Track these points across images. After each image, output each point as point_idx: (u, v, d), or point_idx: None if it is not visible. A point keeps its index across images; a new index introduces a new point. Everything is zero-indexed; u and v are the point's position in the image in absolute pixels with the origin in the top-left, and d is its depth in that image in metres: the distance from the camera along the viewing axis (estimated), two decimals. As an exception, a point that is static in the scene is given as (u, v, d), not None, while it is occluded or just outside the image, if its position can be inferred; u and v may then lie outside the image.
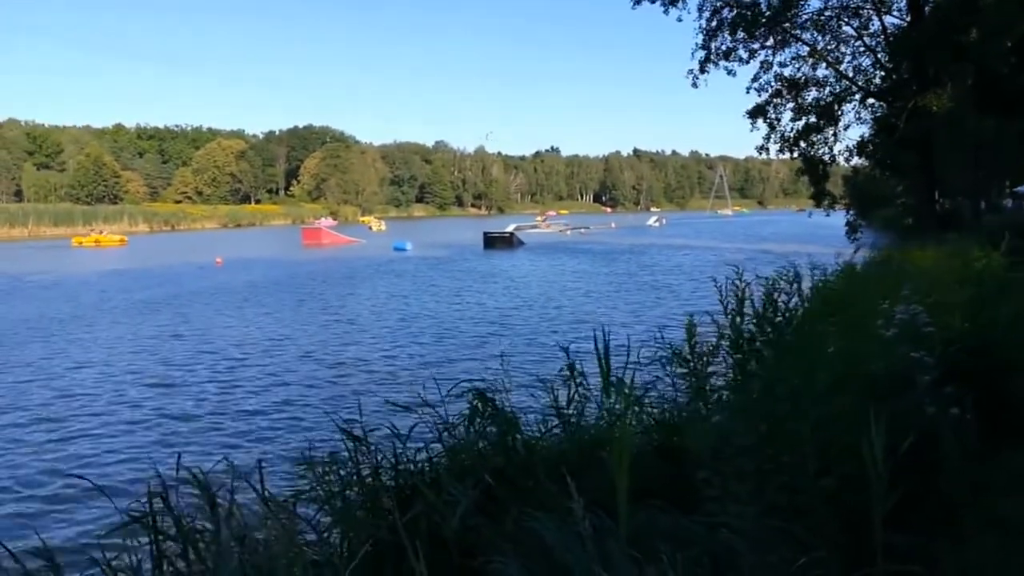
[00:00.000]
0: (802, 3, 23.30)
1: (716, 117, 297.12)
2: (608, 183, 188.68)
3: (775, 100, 24.37)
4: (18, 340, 18.57)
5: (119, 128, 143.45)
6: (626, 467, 2.37)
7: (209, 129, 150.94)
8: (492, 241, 54.66)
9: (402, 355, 15.83)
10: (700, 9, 23.52)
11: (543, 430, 3.43)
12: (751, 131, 24.79)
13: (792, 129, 24.47)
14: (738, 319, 4.39)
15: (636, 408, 3.43)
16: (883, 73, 23.89)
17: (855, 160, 27.49)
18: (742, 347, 4.25)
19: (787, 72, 24.22)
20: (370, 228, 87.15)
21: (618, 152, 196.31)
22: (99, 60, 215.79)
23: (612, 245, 55.93)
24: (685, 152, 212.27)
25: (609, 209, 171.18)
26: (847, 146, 25.38)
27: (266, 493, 2.73)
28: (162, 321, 21.34)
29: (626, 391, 3.27)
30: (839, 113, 24.41)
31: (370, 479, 2.98)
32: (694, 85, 24.32)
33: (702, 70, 23.97)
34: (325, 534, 2.79)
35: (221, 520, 2.40)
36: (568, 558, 2.18)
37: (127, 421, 11.13)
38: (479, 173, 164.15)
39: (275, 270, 38.45)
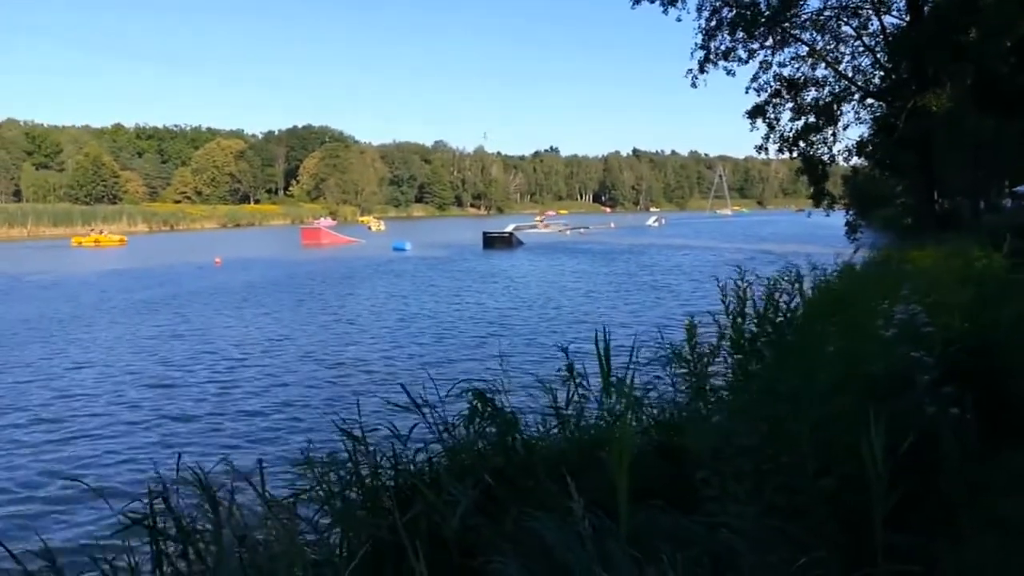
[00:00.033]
0: (801, 3, 23.34)
1: (715, 117, 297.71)
2: (607, 183, 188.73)
3: (774, 100, 24.39)
4: (18, 340, 18.55)
5: (118, 128, 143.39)
6: (626, 467, 2.37)
7: (208, 129, 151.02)
8: (491, 241, 54.66)
9: (401, 355, 15.82)
10: (699, 9, 23.57)
11: (543, 430, 3.43)
12: (751, 131, 24.85)
13: (791, 129, 24.53)
14: (739, 319, 4.40)
15: (636, 408, 3.44)
16: (882, 73, 23.92)
17: (854, 160, 27.57)
18: (743, 347, 4.25)
19: (786, 72, 24.29)
20: (369, 228, 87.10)
21: (617, 152, 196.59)
22: (99, 60, 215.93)
23: (611, 245, 55.93)
24: (684, 152, 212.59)
25: (608, 209, 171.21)
26: (846, 146, 25.46)
27: (266, 494, 2.73)
28: (161, 321, 21.32)
29: (626, 391, 3.27)
30: (838, 113, 24.47)
31: (370, 479, 2.98)
32: (693, 85, 24.38)
33: (701, 70, 24.01)
34: (325, 534, 2.79)
35: (222, 520, 2.40)
36: (568, 558, 2.18)
37: (127, 422, 11.12)
38: (478, 173, 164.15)
39: (274, 270, 38.43)
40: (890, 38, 22.71)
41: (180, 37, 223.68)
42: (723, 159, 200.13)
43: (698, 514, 2.53)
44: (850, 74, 24.42)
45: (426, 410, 3.29)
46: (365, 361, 15.28)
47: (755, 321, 4.55)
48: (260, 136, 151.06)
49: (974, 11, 18.08)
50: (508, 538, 2.51)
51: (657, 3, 23.55)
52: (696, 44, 23.90)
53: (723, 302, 4.58)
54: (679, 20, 24.11)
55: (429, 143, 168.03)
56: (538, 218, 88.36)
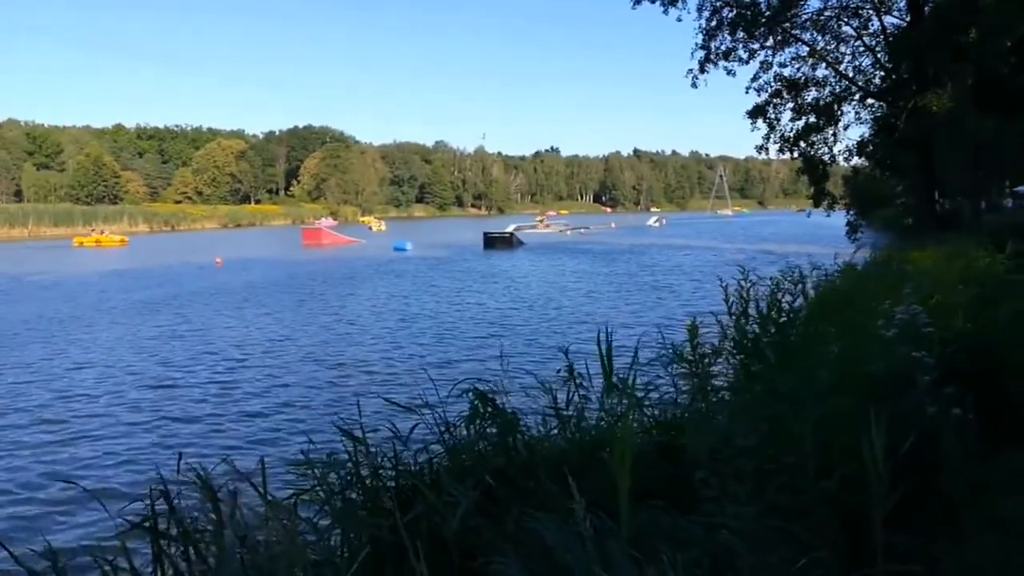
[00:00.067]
0: (802, 3, 23.31)
1: (716, 117, 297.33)
2: (608, 183, 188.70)
3: (775, 100, 24.36)
4: (19, 341, 18.57)
5: (119, 128, 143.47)
6: (628, 467, 2.37)
7: (209, 129, 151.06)
8: (492, 241, 54.63)
9: (402, 356, 15.82)
10: (700, 9, 23.53)
11: (544, 431, 3.43)
12: (751, 131, 24.82)
13: (792, 129, 24.48)
14: (742, 320, 4.39)
15: (637, 409, 3.44)
16: (883, 73, 23.89)
17: (855, 160, 27.52)
18: (746, 348, 4.25)
19: (787, 72, 24.25)
20: (370, 228, 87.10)
21: (618, 152, 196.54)
22: (99, 60, 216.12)
23: (612, 245, 55.92)
24: (685, 152, 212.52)
25: (609, 209, 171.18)
26: (847, 146, 25.41)
27: (268, 495, 2.73)
28: (162, 321, 21.33)
29: (629, 391, 3.27)
30: (839, 113, 24.42)
31: (370, 480, 2.98)
32: (694, 85, 24.34)
33: (702, 70, 23.97)
34: (326, 534, 2.79)
35: (224, 520, 2.41)
36: (569, 559, 2.18)
37: (127, 423, 11.13)
38: (479, 173, 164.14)
39: (275, 270, 38.44)
40: (890, 38, 22.68)
41: (180, 37, 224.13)
42: (724, 159, 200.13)
43: (698, 514, 2.54)
44: (850, 74, 24.40)
45: (427, 411, 3.29)
46: (366, 361, 15.29)
47: (758, 321, 4.54)
48: (261, 136, 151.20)
49: (974, 11, 18.07)
50: (509, 539, 2.51)
51: (657, 3, 23.54)
52: (696, 44, 23.90)
53: (726, 302, 4.57)
54: (679, 20, 24.07)
55: (430, 143, 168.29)
56: (539, 218, 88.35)
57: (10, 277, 35.98)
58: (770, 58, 24.05)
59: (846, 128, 25.27)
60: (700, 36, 23.71)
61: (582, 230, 78.93)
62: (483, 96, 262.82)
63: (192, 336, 18.82)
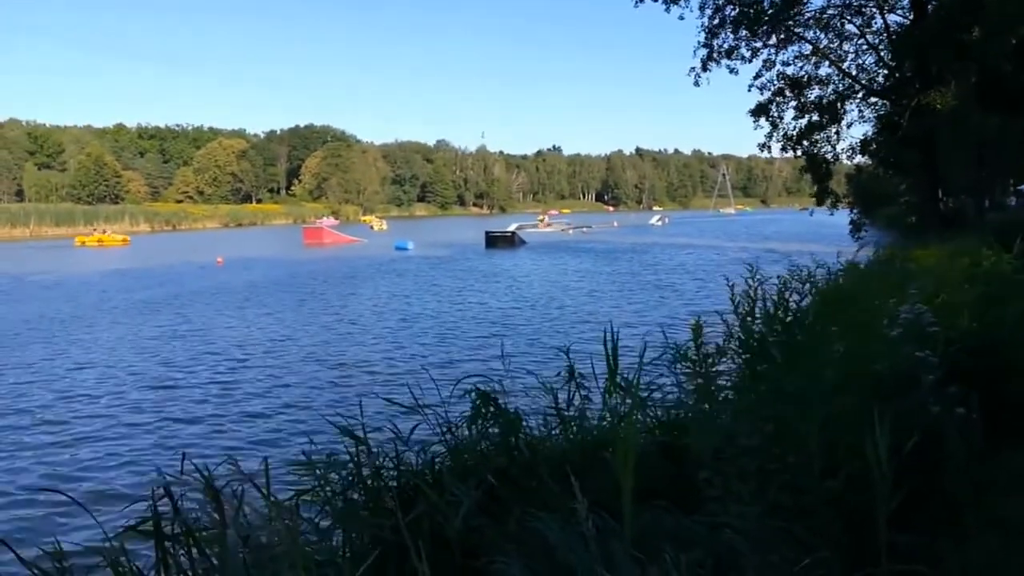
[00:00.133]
0: (805, 1, 23.25)
1: (719, 116, 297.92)
2: (610, 182, 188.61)
3: (777, 98, 24.31)
4: (21, 341, 18.60)
5: (120, 128, 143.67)
6: (631, 467, 2.37)
7: (210, 128, 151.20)
8: (494, 240, 54.62)
9: (404, 355, 15.83)
10: (702, 7, 23.47)
11: (546, 430, 3.42)
12: (754, 129, 24.76)
13: (795, 127, 24.43)
14: (748, 319, 4.37)
15: (640, 408, 3.43)
16: (886, 71, 23.83)
17: (858, 158, 27.43)
18: (752, 347, 4.22)
19: (790, 70, 24.19)
20: (371, 227, 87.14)
21: (620, 151, 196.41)
22: (100, 60, 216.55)
23: (615, 244, 55.89)
24: (688, 151, 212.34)
25: (611, 208, 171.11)
26: (850, 144, 25.35)
27: (272, 497, 2.72)
28: (164, 321, 21.36)
29: (633, 390, 3.26)
30: (842, 111, 24.34)
31: (372, 480, 2.97)
32: (696, 83, 24.27)
33: (704, 68, 23.92)
34: (328, 534, 2.79)
35: (227, 520, 2.40)
36: (571, 558, 2.17)
37: (129, 423, 11.14)
38: (481, 172, 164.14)
39: (276, 270, 38.48)
40: (894, 36, 22.62)
41: (181, 37, 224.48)
42: (726, 158, 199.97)
43: (701, 514, 2.53)
44: (854, 72, 24.34)
45: (429, 410, 3.29)
46: (368, 361, 15.29)
47: (764, 321, 4.52)
48: (262, 135, 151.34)
49: (977, 9, 18.01)
50: (511, 539, 2.50)
51: (659, 2, 23.51)
52: (699, 42, 23.84)
53: (732, 301, 4.55)
54: (682, 18, 23.93)
55: (431, 142, 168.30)
56: (540, 217, 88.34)
57: (12, 277, 36.06)
58: (773, 56, 24.01)
59: (849, 126, 25.34)
60: (702, 34, 23.68)
61: (584, 229, 78.88)
62: (483, 96, 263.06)
63: (193, 336, 18.85)
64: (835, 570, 2.34)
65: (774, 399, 3.24)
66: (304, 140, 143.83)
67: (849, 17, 23.79)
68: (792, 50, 24.08)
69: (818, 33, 23.96)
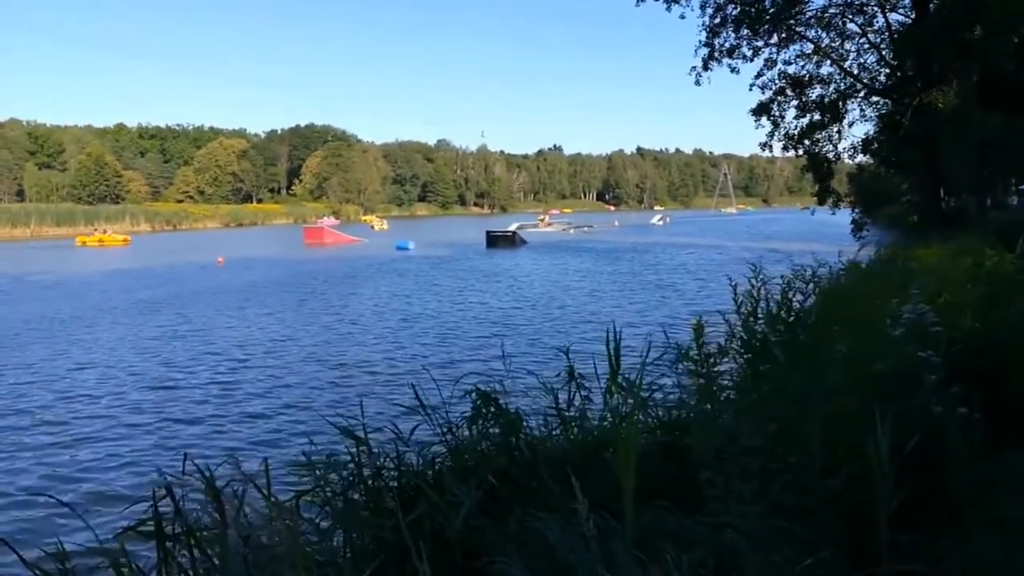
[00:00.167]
0: (806, 0, 23.23)
1: (720, 115, 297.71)
2: (611, 181, 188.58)
3: (779, 98, 24.29)
4: (21, 341, 18.62)
5: (121, 128, 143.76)
6: (632, 467, 2.36)
7: (211, 128, 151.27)
8: (495, 240, 54.60)
9: (405, 356, 15.83)
10: (703, 6, 23.44)
11: (547, 431, 3.42)
12: (755, 128, 24.74)
13: (796, 126, 24.41)
14: (751, 319, 4.36)
15: (642, 408, 3.42)
16: (888, 70, 23.80)
17: (860, 158, 27.41)
18: (754, 347, 4.21)
19: (791, 70, 24.17)
20: (372, 227, 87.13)
21: (621, 150, 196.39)
22: (100, 59, 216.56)
23: (616, 244, 55.88)
24: (689, 150, 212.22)
25: (613, 207, 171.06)
26: (852, 143, 25.35)
27: (273, 498, 2.72)
28: (164, 321, 21.38)
29: (635, 390, 3.26)
30: (843, 110, 24.33)
31: (373, 480, 2.97)
32: (697, 83, 24.24)
33: (705, 67, 23.89)
34: (328, 535, 2.79)
35: (228, 520, 2.40)
36: (572, 559, 2.17)
37: (129, 424, 11.14)
38: (482, 172, 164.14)
39: (277, 269, 38.49)
40: (896, 35, 22.59)
41: (181, 36, 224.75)
42: (728, 157, 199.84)
43: (703, 514, 2.52)
44: (855, 71, 24.32)
45: (429, 411, 3.28)
46: (368, 362, 15.29)
47: (767, 321, 4.51)
48: (263, 135, 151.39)
49: (979, 8, 17.98)
50: (512, 539, 2.50)
51: (660, 1, 23.48)
52: (700, 41, 23.80)
53: (735, 301, 4.55)
54: (683, 17, 23.88)
55: (432, 142, 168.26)
56: (541, 217, 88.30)
57: (12, 277, 36.09)
58: (774, 55, 23.98)
59: (851, 125, 25.29)
60: (704, 33, 23.65)
61: (585, 229, 78.84)
62: (483, 96, 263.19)
63: (194, 336, 18.86)
64: (836, 569, 2.33)
65: (776, 399, 3.23)
66: (305, 140, 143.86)
67: (851, 16, 23.77)
68: (793, 49, 24.07)
69: (820, 32, 23.95)
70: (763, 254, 32.43)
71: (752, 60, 23.80)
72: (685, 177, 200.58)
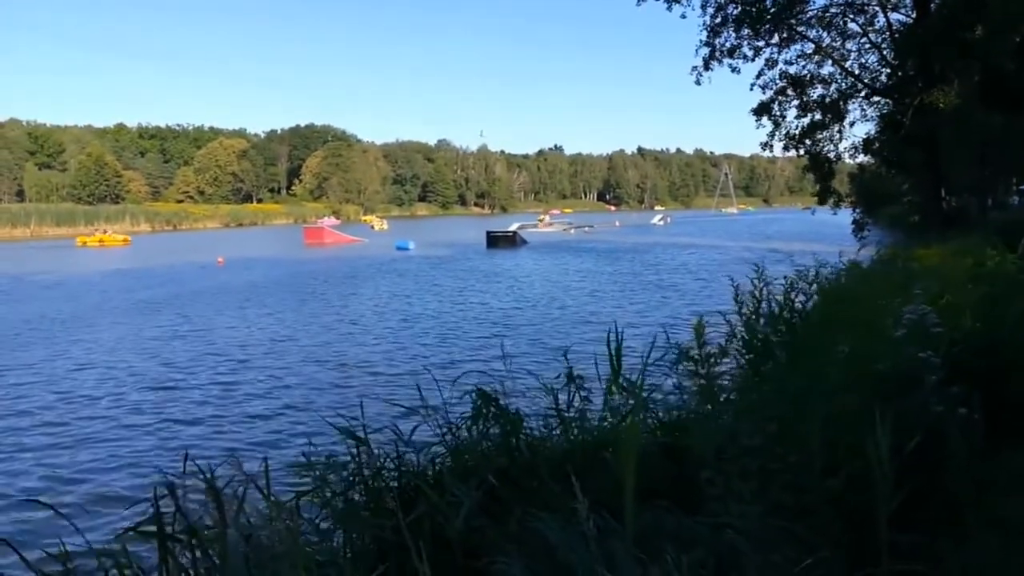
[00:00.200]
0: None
1: (720, 115, 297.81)
2: (612, 181, 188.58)
3: (780, 97, 24.29)
4: (21, 341, 18.63)
5: (121, 128, 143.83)
6: (632, 467, 2.36)
7: (211, 128, 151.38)
8: (495, 240, 54.60)
9: (405, 356, 15.83)
10: (704, 6, 23.45)
11: (547, 431, 3.42)
12: (756, 128, 24.75)
13: (797, 126, 24.42)
14: (753, 319, 4.35)
15: (642, 409, 3.42)
16: (889, 70, 23.80)
17: (861, 157, 27.42)
18: (756, 347, 4.20)
19: (792, 69, 24.17)
20: (372, 227, 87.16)
21: (622, 150, 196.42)
22: (100, 59, 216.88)
23: (616, 244, 55.88)
24: (689, 150, 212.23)
25: (613, 207, 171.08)
26: (853, 143, 25.39)
27: (273, 498, 2.72)
28: (164, 322, 21.39)
29: (637, 390, 3.26)
30: (844, 110, 24.34)
31: (373, 480, 2.97)
32: (698, 82, 24.25)
33: (706, 67, 23.90)
34: (328, 535, 2.79)
35: (228, 520, 2.40)
36: (572, 558, 2.17)
37: (130, 424, 11.15)
38: (482, 172, 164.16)
39: (277, 270, 38.50)
40: (897, 35, 22.58)
41: (181, 36, 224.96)
42: (728, 157, 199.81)
43: (702, 514, 2.52)
44: (856, 71, 24.32)
45: (430, 411, 3.28)
46: (369, 362, 15.30)
47: (768, 321, 4.50)
48: (263, 135, 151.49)
49: (980, 8, 17.98)
50: (512, 539, 2.50)
51: (661, 1, 23.49)
52: (701, 41, 23.81)
53: (736, 301, 4.54)
54: (683, 17, 23.88)
55: (432, 142, 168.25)
56: (541, 217, 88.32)
57: (12, 277, 36.12)
58: (775, 55, 23.99)
59: (852, 125, 25.25)
60: (704, 33, 23.66)
61: (586, 229, 78.85)
62: (483, 96, 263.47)
63: (194, 336, 18.86)
64: (836, 569, 2.33)
65: (777, 399, 3.23)
66: (305, 140, 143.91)
67: (852, 16, 23.78)
68: (794, 49, 24.09)
69: (820, 32, 23.95)
70: (764, 254, 32.36)
71: (753, 60, 23.83)
72: (686, 177, 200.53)
